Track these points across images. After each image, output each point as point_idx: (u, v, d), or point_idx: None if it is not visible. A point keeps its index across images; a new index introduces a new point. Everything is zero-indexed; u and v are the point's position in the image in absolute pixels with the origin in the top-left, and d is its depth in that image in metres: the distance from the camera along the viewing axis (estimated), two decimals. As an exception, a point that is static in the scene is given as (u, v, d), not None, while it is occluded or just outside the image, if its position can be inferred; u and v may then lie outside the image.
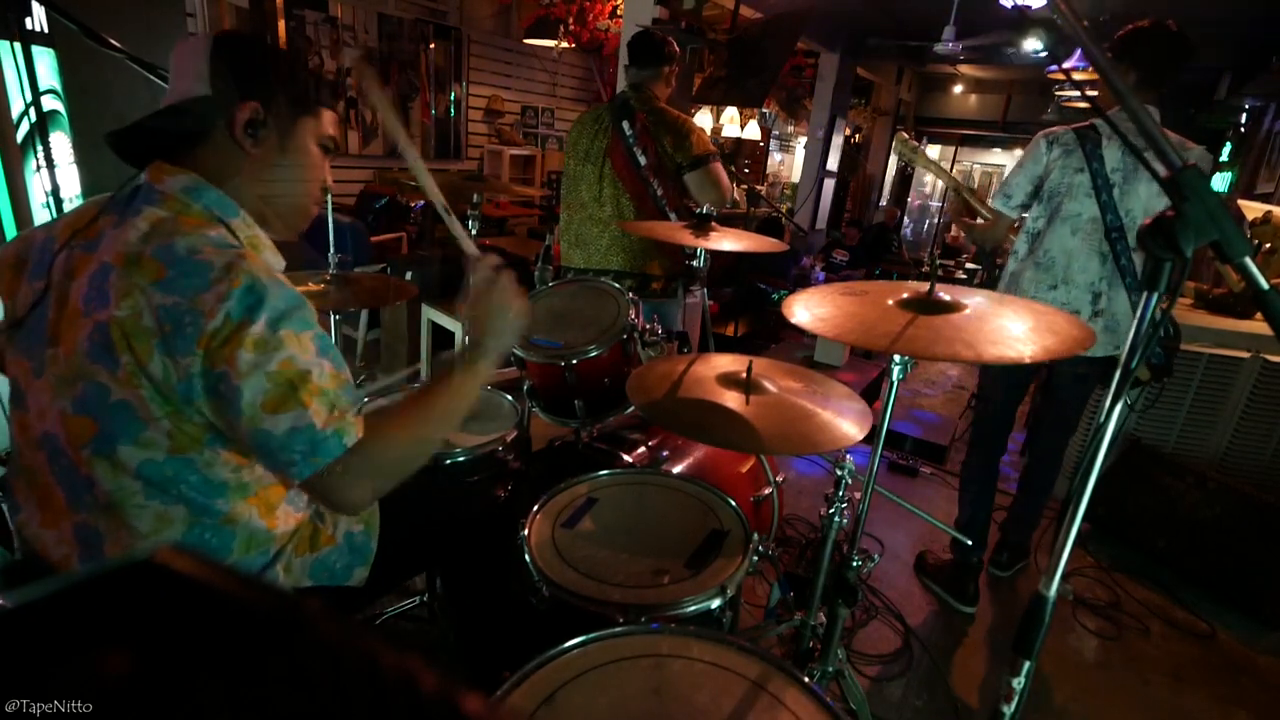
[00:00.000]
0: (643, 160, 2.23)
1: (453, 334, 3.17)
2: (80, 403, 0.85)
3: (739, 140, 7.47)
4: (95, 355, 0.83)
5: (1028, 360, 0.95)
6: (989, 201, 2.07)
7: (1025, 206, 2.03)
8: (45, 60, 1.80)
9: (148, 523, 0.89)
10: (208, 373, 0.81)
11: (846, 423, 1.19)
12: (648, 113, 2.24)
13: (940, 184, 11.95)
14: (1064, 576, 0.80)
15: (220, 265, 0.83)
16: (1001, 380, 2.18)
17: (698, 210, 1.90)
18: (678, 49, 2.31)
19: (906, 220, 10.53)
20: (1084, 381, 2.13)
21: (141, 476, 0.87)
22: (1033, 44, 4.49)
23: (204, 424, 0.87)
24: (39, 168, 1.69)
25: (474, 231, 2.15)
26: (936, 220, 11.08)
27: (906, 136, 2.17)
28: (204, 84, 0.91)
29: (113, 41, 1.43)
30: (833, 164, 6.78)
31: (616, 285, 1.87)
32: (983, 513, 2.22)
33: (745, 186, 6.44)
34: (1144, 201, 1.89)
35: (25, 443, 0.91)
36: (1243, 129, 5.57)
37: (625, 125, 2.23)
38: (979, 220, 2.14)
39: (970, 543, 2.16)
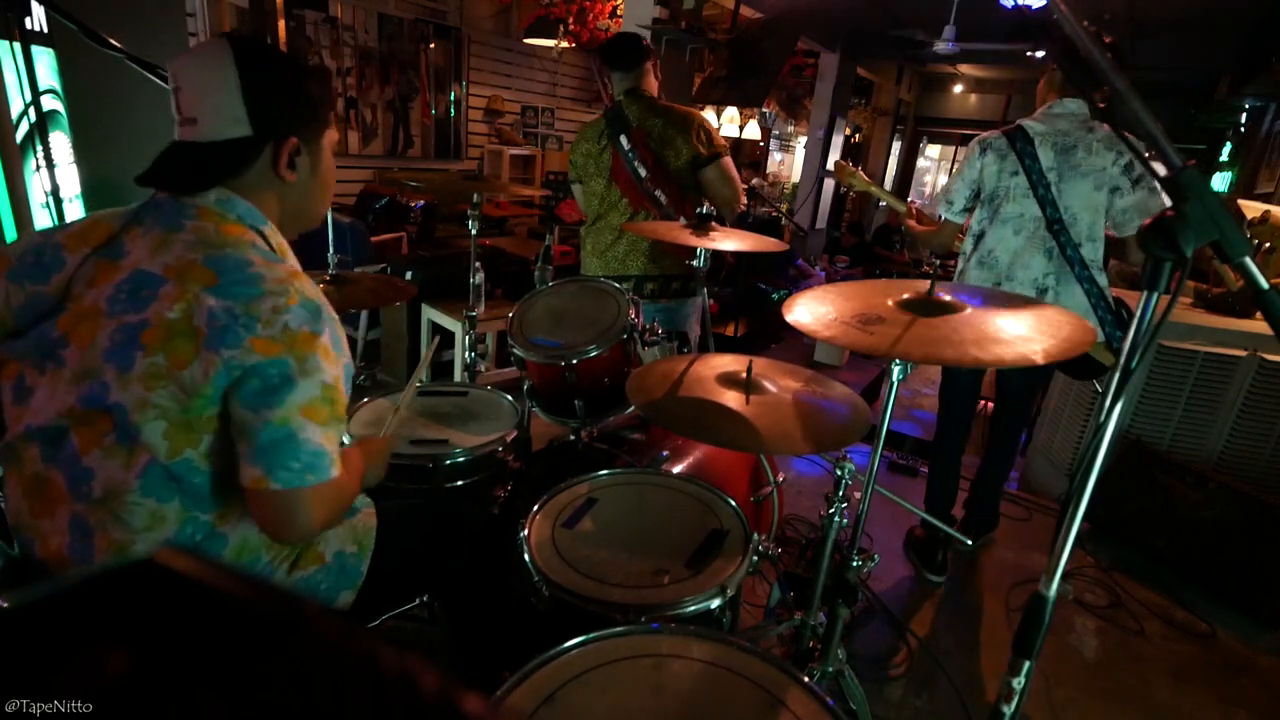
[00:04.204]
0: (643, 173, 2.25)
1: (452, 334, 3.17)
2: (87, 398, 0.86)
3: (739, 140, 7.46)
4: (110, 354, 0.84)
5: (1039, 362, 0.95)
6: (937, 209, 2.18)
7: (968, 210, 2.10)
8: (45, 60, 1.80)
9: (141, 519, 0.89)
10: (272, 361, 0.84)
11: (846, 423, 1.19)
12: (653, 116, 2.24)
13: (939, 184, 11.97)
14: (1064, 576, 0.80)
15: (273, 278, 0.87)
16: (964, 380, 2.32)
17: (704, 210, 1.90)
18: (649, 41, 2.33)
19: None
20: (1030, 375, 2.28)
21: (144, 474, 0.87)
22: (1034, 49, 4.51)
23: (213, 415, 0.87)
24: (39, 167, 1.69)
25: (474, 231, 2.16)
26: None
27: (845, 164, 2.43)
28: (244, 126, 0.91)
29: (113, 41, 1.44)
30: (833, 164, 6.78)
31: (616, 285, 1.87)
32: (948, 491, 2.41)
33: (745, 186, 6.43)
34: (1084, 198, 1.93)
35: (16, 437, 0.91)
36: (1243, 129, 5.57)
37: (623, 139, 2.25)
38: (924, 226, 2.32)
39: (963, 536, 2.38)
